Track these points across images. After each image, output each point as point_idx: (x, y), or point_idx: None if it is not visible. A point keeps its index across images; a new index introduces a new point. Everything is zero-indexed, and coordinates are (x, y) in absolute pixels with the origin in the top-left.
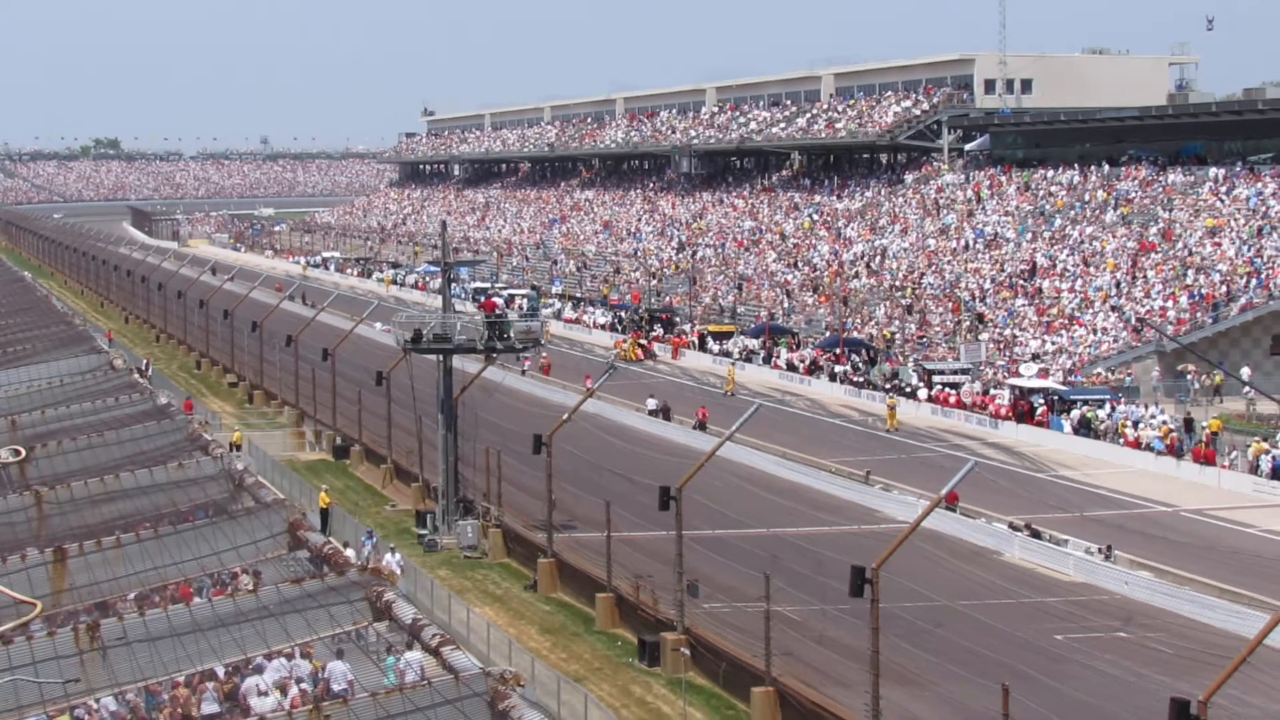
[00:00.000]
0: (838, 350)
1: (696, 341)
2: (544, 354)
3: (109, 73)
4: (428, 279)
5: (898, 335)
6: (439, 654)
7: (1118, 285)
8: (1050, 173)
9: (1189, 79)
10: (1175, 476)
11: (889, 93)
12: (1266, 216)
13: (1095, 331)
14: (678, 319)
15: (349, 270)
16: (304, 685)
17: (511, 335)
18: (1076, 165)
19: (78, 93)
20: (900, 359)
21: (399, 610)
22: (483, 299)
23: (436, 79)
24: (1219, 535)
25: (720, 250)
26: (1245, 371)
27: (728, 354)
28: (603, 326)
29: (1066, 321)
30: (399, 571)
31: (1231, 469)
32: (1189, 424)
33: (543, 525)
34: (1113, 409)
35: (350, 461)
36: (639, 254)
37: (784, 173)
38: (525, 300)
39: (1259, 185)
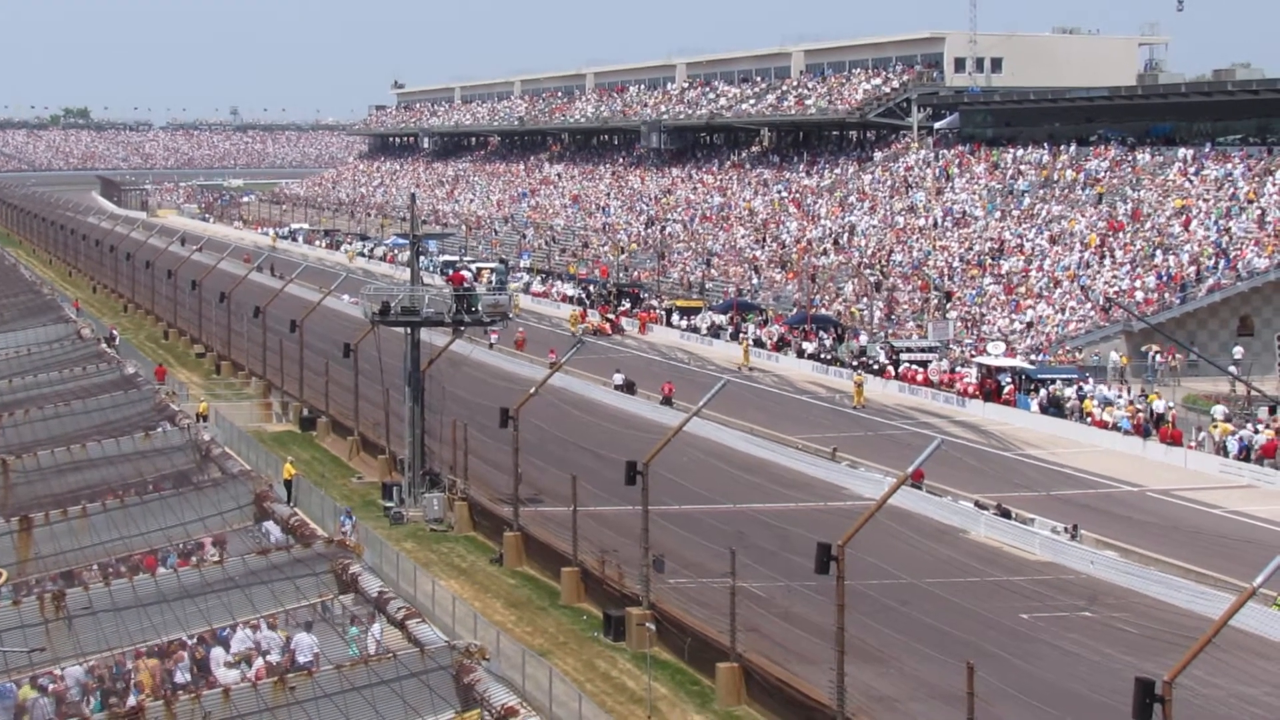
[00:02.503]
0: (805, 327)
1: (664, 316)
2: (520, 329)
3: (79, 42)
4: (396, 251)
5: (865, 313)
6: (404, 627)
7: (1086, 265)
8: (1019, 152)
9: (1159, 59)
10: (1142, 456)
11: (859, 70)
12: (1235, 198)
13: (1063, 310)
14: (645, 294)
15: (317, 242)
16: (270, 657)
17: (479, 309)
18: (1046, 144)
19: (47, 62)
20: (864, 335)
21: (365, 583)
22: (451, 272)
23: (407, 51)
24: (1185, 515)
25: (689, 226)
26: (1238, 351)
27: (695, 329)
28: (570, 300)
29: (1034, 300)
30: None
31: (1198, 449)
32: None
33: (509, 499)
34: (1080, 388)
35: (317, 433)
36: (608, 229)
37: (753, 149)
38: (493, 274)
39: (1227, 166)
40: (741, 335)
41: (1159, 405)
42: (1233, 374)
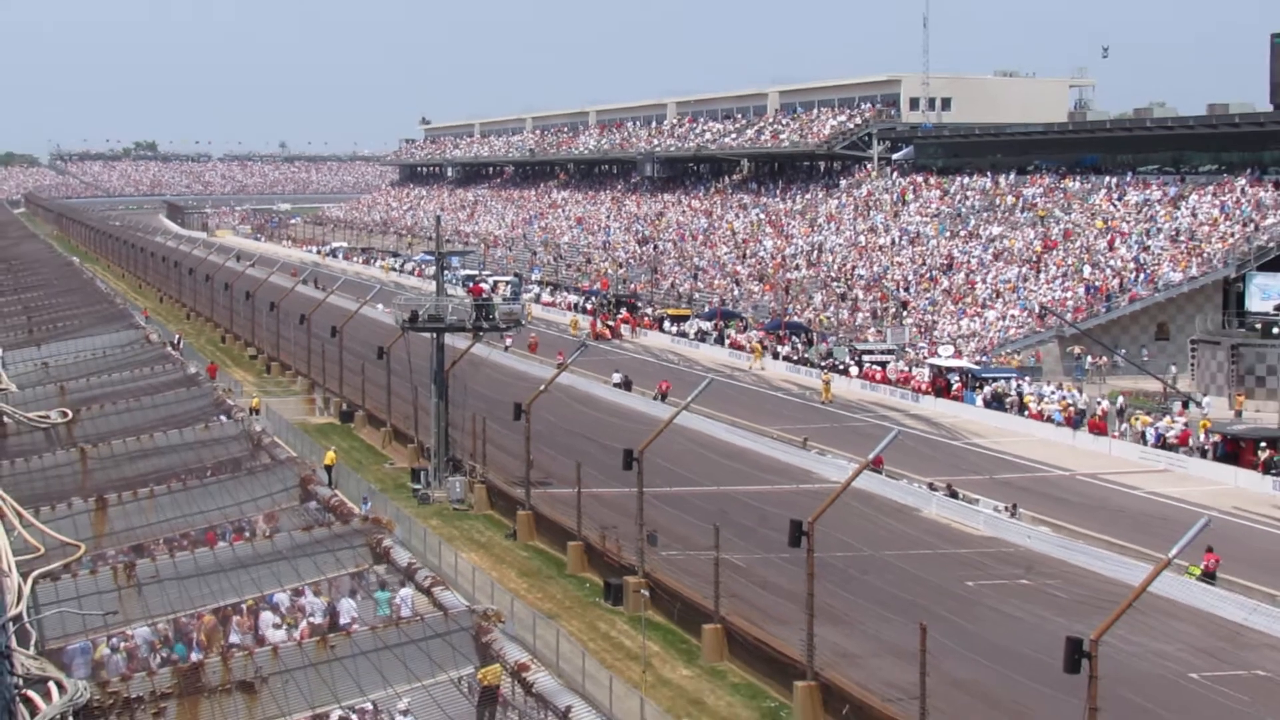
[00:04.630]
0: (780, 332)
1: (657, 323)
2: (532, 334)
3: (148, 84)
4: (423, 266)
5: (832, 319)
6: (430, 593)
7: (1024, 278)
8: (966, 179)
9: (1087, 99)
10: (1072, 445)
11: (826, 108)
12: (1152, 220)
13: (1004, 318)
14: (640, 303)
15: (355, 258)
16: (313, 619)
17: (496, 316)
18: (989, 173)
19: (121, 101)
20: (831, 339)
21: (396, 555)
22: (471, 284)
23: (433, 92)
24: (1109, 496)
25: (678, 244)
26: (1176, 372)
27: (684, 334)
28: (575, 308)
29: (979, 309)
30: None
31: (1121, 439)
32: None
33: (521, 482)
34: (1019, 386)
35: (354, 425)
36: (608, 247)
37: (735, 177)
38: (509, 286)
39: (1146, 193)
40: (757, 341)
41: (1071, 399)
42: (1167, 382)
